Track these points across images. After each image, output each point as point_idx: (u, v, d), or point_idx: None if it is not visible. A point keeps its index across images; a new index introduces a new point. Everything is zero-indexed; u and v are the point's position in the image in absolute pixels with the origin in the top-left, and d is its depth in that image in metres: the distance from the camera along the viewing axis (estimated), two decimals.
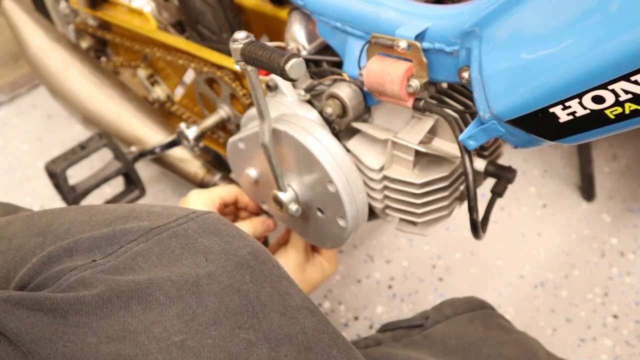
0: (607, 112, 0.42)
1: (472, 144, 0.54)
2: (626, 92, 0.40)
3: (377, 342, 0.70)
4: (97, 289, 0.41)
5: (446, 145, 0.65)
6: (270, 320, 0.43)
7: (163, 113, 1.06)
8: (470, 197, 0.59)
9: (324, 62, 0.70)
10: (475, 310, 0.71)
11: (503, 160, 0.70)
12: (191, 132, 0.86)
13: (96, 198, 1.22)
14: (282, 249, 0.81)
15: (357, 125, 0.68)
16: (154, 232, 0.45)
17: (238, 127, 0.86)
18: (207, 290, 0.42)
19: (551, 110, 0.45)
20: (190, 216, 0.47)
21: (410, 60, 0.56)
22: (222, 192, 0.78)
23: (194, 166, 0.98)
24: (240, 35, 0.58)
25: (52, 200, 1.29)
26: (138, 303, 0.41)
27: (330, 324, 0.47)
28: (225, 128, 0.94)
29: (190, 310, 0.41)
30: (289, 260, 0.78)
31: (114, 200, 0.95)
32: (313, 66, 0.71)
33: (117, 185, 1.22)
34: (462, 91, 0.65)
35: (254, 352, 0.41)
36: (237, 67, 0.61)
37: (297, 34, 0.72)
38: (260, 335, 0.42)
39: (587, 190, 1.20)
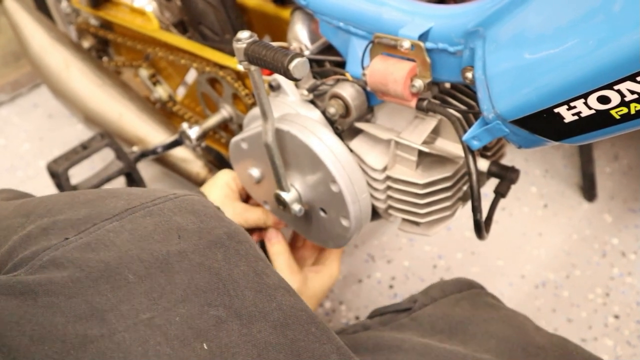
0: (613, 112, 0.42)
1: (475, 144, 0.54)
2: (632, 92, 0.40)
3: (365, 328, 0.69)
4: (68, 269, 0.41)
5: (449, 146, 0.65)
6: (242, 297, 0.44)
7: (165, 113, 1.06)
8: (474, 198, 0.59)
9: (327, 62, 0.70)
10: (463, 290, 0.70)
11: (504, 161, 0.70)
12: (193, 132, 0.86)
13: None
14: (313, 268, 0.80)
15: (360, 125, 0.68)
16: (129, 211, 0.45)
17: (240, 127, 0.86)
18: (177, 268, 0.43)
19: (556, 110, 0.45)
20: (169, 197, 0.47)
21: (413, 60, 0.56)
22: None
23: (196, 166, 0.98)
24: (244, 35, 0.58)
25: None
26: (107, 282, 0.41)
27: (307, 305, 0.47)
28: (228, 128, 0.94)
29: (159, 288, 0.42)
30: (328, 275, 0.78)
31: None
32: (316, 66, 0.71)
33: (118, 185, 1.22)
34: (465, 91, 0.65)
35: (224, 328, 0.42)
36: (240, 67, 0.61)
37: (300, 34, 0.72)
38: (232, 312, 0.42)
39: (589, 190, 1.20)
